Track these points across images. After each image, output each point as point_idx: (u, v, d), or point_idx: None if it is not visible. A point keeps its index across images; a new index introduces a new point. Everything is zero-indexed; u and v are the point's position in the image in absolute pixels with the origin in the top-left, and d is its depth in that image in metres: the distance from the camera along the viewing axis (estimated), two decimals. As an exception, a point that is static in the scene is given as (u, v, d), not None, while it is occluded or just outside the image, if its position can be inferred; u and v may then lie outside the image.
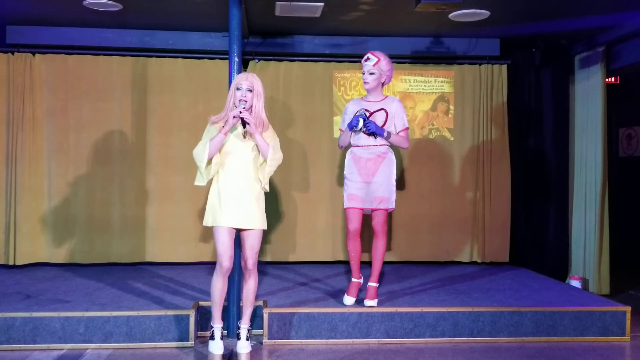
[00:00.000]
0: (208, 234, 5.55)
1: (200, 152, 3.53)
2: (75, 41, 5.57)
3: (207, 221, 3.63)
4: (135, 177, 5.70)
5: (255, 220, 3.62)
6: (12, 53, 5.55)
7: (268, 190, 3.73)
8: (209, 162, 3.55)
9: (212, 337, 3.70)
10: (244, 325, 3.76)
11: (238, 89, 3.57)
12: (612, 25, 5.29)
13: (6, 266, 5.51)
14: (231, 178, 3.59)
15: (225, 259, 3.58)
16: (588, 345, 4.07)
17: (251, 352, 3.74)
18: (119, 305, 4.13)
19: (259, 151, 3.64)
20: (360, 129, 4.10)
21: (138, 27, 5.55)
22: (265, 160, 3.63)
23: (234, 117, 3.50)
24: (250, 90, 3.57)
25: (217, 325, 3.71)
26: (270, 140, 3.64)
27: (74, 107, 5.65)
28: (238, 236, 3.76)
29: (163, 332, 3.93)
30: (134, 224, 5.71)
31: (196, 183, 3.63)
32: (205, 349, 3.77)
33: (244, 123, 3.52)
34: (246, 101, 3.55)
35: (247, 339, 3.73)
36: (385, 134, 4.10)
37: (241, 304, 3.87)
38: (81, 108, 5.66)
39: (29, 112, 5.56)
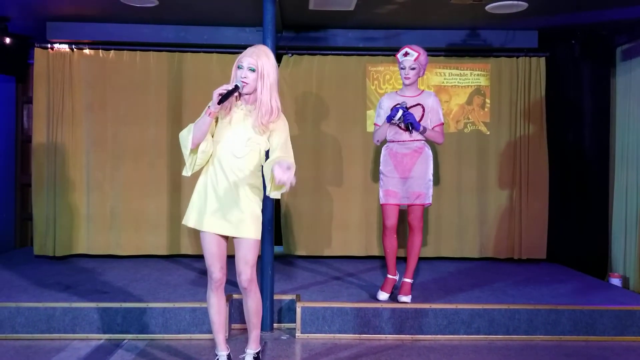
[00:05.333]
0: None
1: (185, 137, 2.96)
2: (113, 37, 5.65)
3: (188, 220, 3.05)
4: (171, 170, 5.77)
5: (243, 227, 2.98)
6: (52, 49, 5.67)
7: (277, 196, 3.06)
8: (195, 150, 2.97)
9: None
10: (250, 351, 3.23)
11: (239, 67, 2.93)
12: (657, 15, 5.12)
13: (47, 257, 5.65)
14: (220, 172, 2.98)
15: (215, 269, 3.05)
16: (628, 345, 3.97)
17: (286, 347, 3.75)
18: (155, 297, 4.20)
19: (260, 141, 3.01)
20: (399, 119, 4.06)
21: (173, 22, 5.60)
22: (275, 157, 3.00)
23: (219, 94, 2.85)
24: (253, 70, 2.91)
25: (222, 353, 3.19)
26: (280, 132, 3.01)
27: (111, 101, 5.75)
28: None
29: (198, 323, 3.98)
30: (170, 216, 5.78)
31: (183, 173, 3.09)
32: (239, 340, 3.79)
33: (228, 95, 2.88)
34: (247, 83, 2.92)
35: None
36: (421, 129, 4.07)
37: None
38: (119, 102, 5.76)
39: (69, 106, 5.68)
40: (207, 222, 2.98)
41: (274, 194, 2.97)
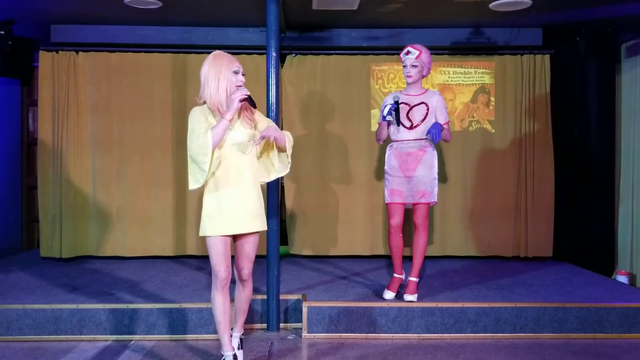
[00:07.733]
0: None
1: (203, 145, 2.99)
2: (117, 39, 5.68)
3: (205, 230, 3.11)
4: (177, 172, 5.78)
5: (257, 221, 3.18)
6: (57, 51, 5.68)
7: (287, 172, 3.35)
8: (212, 157, 3.04)
9: None
10: (236, 333, 3.43)
11: (236, 72, 3.16)
12: (662, 11, 5.09)
13: (53, 259, 5.67)
14: (231, 174, 3.11)
15: (222, 268, 3.12)
16: (636, 342, 3.96)
17: (292, 346, 3.75)
18: (161, 298, 4.21)
19: (255, 141, 3.19)
20: (388, 113, 4.09)
21: (177, 24, 5.62)
22: (274, 149, 3.28)
23: (241, 100, 3.06)
24: (244, 74, 3.23)
25: (228, 353, 3.24)
26: (263, 118, 3.30)
27: (116, 103, 5.77)
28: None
29: (205, 324, 3.99)
30: (176, 217, 5.79)
31: (191, 187, 3.10)
32: (246, 340, 3.79)
33: (252, 103, 3.16)
34: (242, 87, 3.17)
35: (239, 347, 3.40)
36: (442, 133, 4.09)
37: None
38: (123, 104, 5.77)
39: (74, 108, 5.69)
40: (227, 226, 3.11)
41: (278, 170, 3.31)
